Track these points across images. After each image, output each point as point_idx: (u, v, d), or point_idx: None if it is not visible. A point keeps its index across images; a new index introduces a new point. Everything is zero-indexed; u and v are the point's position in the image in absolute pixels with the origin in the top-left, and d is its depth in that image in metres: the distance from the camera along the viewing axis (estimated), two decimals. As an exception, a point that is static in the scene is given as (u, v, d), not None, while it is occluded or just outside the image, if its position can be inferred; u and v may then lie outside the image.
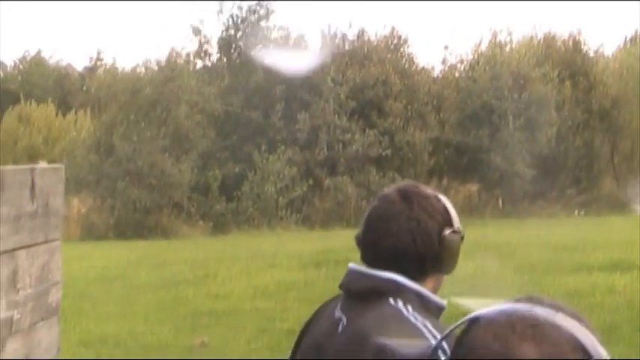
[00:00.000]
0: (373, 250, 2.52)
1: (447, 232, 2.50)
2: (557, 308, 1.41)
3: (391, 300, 2.44)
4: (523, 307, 1.41)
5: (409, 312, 2.42)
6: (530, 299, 1.44)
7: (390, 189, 2.61)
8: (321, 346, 2.53)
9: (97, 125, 30.80)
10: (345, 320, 2.48)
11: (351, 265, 2.58)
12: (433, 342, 2.26)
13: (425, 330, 2.39)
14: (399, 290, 2.46)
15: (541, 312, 1.39)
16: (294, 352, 2.69)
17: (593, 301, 12.14)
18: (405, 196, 2.53)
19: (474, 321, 1.44)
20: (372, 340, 2.33)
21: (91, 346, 11.07)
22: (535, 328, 1.36)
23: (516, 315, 1.39)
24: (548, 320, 1.38)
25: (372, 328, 2.38)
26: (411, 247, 2.47)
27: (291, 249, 19.54)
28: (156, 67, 31.67)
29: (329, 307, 2.63)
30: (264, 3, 32.23)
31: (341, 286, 2.58)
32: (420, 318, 2.40)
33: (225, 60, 32.51)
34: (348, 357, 2.40)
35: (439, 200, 2.55)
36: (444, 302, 2.49)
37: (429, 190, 2.57)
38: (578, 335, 1.38)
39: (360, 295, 2.49)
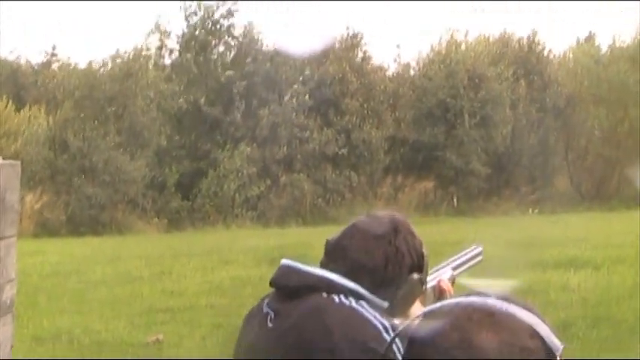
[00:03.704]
0: (342, 258, 2.44)
1: (416, 276, 2.48)
2: (509, 299, 1.44)
3: (324, 294, 2.38)
4: (475, 299, 1.44)
5: (341, 299, 2.36)
6: (479, 294, 1.46)
7: (382, 212, 2.59)
8: (252, 344, 2.46)
9: (52, 121, 30.51)
10: (272, 314, 2.41)
11: (284, 260, 2.50)
12: (373, 319, 2.28)
13: (363, 310, 2.34)
14: (333, 287, 2.38)
15: (494, 302, 1.42)
16: None
17: (548, 298, 12.22)
18: (395, 224, 2.50)
19: (426, 316, 1.46)
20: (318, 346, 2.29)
21: (44, 342, 10.98)
22: (492, 317, 1.39)
23: (472, 306, 1.41)
24: (503, 310, 1.41)
25: (307, 325, 2.32)
26: (380, 270, 2.42)
27: (247, 245, 19.46)
28: (110, 64, 31.44)
29: (257, 308, 2.53)
30: (227, 2, 32.14)
31: (271, 282, 2.49)
32: (352, 300, 2.35)
33: (185, 57, 32.29)
34: (283, 354, 2.34)
35: (422, 245, 2.53)
36: (384, 303, 2.38)
37: (417, 233, 2.55)
38: (532, 323, 1.41)
39: (290, 290, 2.41)
